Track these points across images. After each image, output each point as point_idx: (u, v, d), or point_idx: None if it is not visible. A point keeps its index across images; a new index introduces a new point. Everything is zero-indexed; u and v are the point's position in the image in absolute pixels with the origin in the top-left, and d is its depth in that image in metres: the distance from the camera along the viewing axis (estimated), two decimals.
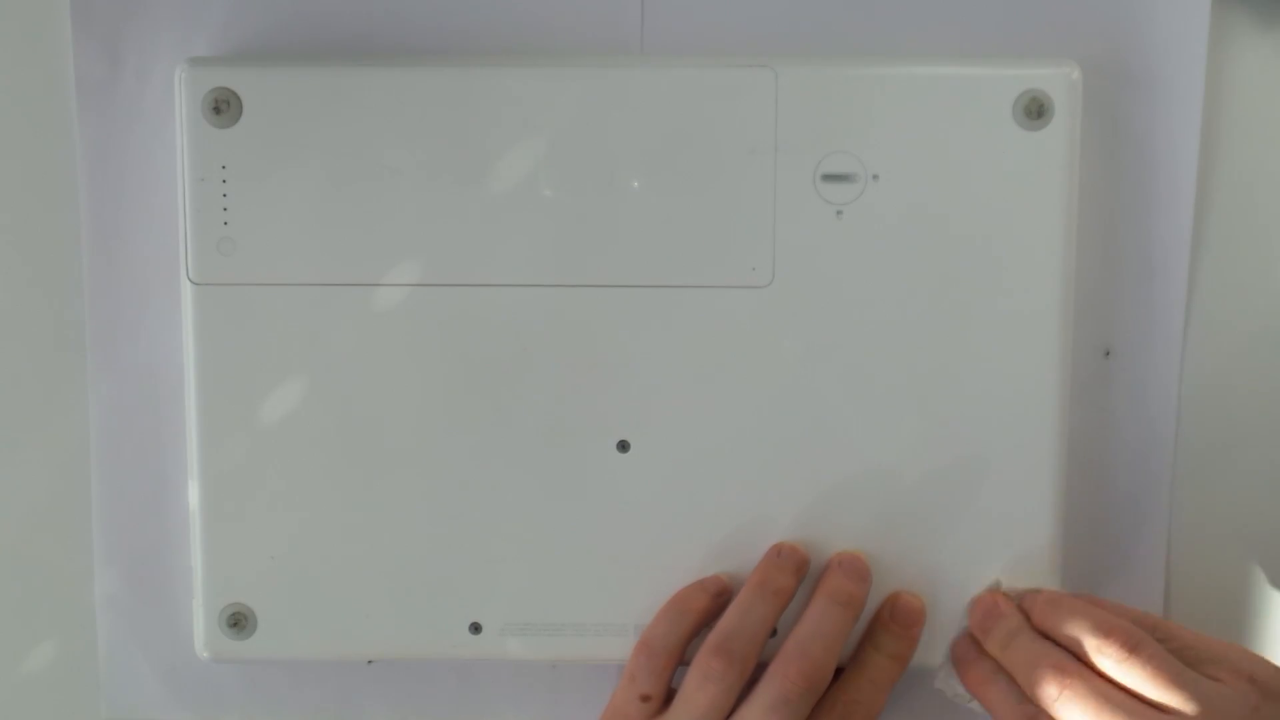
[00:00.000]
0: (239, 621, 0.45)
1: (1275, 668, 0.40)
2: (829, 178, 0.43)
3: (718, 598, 0.44)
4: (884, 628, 0.44)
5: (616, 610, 0.45)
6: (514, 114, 0.43)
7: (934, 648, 0.45)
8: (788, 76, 0.43)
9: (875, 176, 0.43)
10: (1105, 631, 0.40)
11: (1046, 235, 0.43)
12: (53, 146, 0.46)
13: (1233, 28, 0.46)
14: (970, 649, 0.44)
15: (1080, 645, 0.41)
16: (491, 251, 0.44)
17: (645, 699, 0.43)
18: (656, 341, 0.44)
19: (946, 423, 0.44)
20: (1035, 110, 0.43)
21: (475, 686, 0.49)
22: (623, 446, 0.44)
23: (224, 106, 0.43)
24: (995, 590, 0.45)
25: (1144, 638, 0.40)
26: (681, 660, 0.44)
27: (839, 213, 0.43)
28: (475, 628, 0.45)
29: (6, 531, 0.48)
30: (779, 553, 0.44)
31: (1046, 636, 0.42)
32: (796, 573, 0.44)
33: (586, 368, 0.44)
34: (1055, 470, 0.44)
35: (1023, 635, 0.43)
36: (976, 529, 0.45)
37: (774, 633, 0.44)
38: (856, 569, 0.44)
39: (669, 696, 0.44)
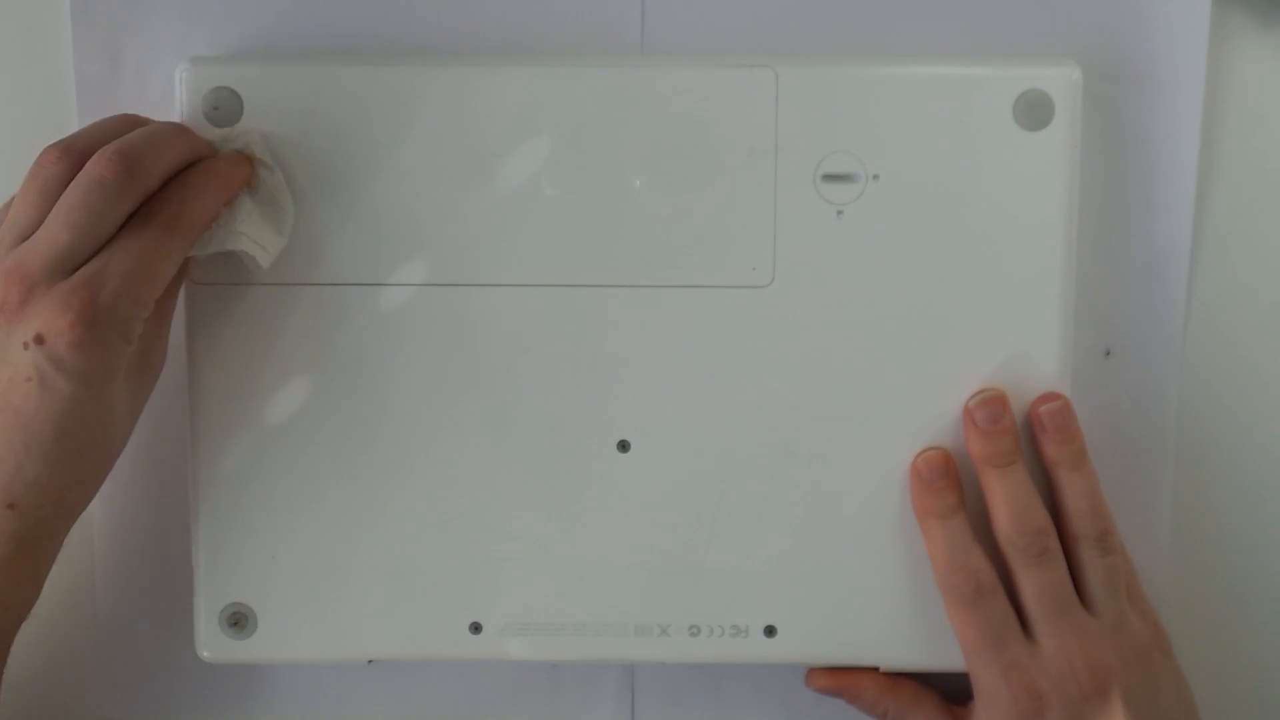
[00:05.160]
0: (239, 621, 0.45)
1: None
2: (829, 178, 0.43)
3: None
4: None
5: (616, 610, 0.45)
6: (515, 114, 0.43)
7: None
8: (788, 76, 0.43)
9: (876, 176, 0.43)
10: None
11: (1046, 235, 0.43)
12: None
13: (1233, 28, 0.46)
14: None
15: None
16: (492, 251, 0.44)
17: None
18: (656, 341, 0.44)
19: (947, 422, 0.44)
20: (1035, 110, 0.43)
21: (475, 686, 0.49)
22: (623, 446, 0.44)
23: (224, 105, 0.43)
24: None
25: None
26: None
27: (839, 213, 0.43)
28: (475, 628, 0.45)
29: None
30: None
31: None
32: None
33: (586, 368, 0.44)
34: None
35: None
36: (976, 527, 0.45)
37: None
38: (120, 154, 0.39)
39: None
